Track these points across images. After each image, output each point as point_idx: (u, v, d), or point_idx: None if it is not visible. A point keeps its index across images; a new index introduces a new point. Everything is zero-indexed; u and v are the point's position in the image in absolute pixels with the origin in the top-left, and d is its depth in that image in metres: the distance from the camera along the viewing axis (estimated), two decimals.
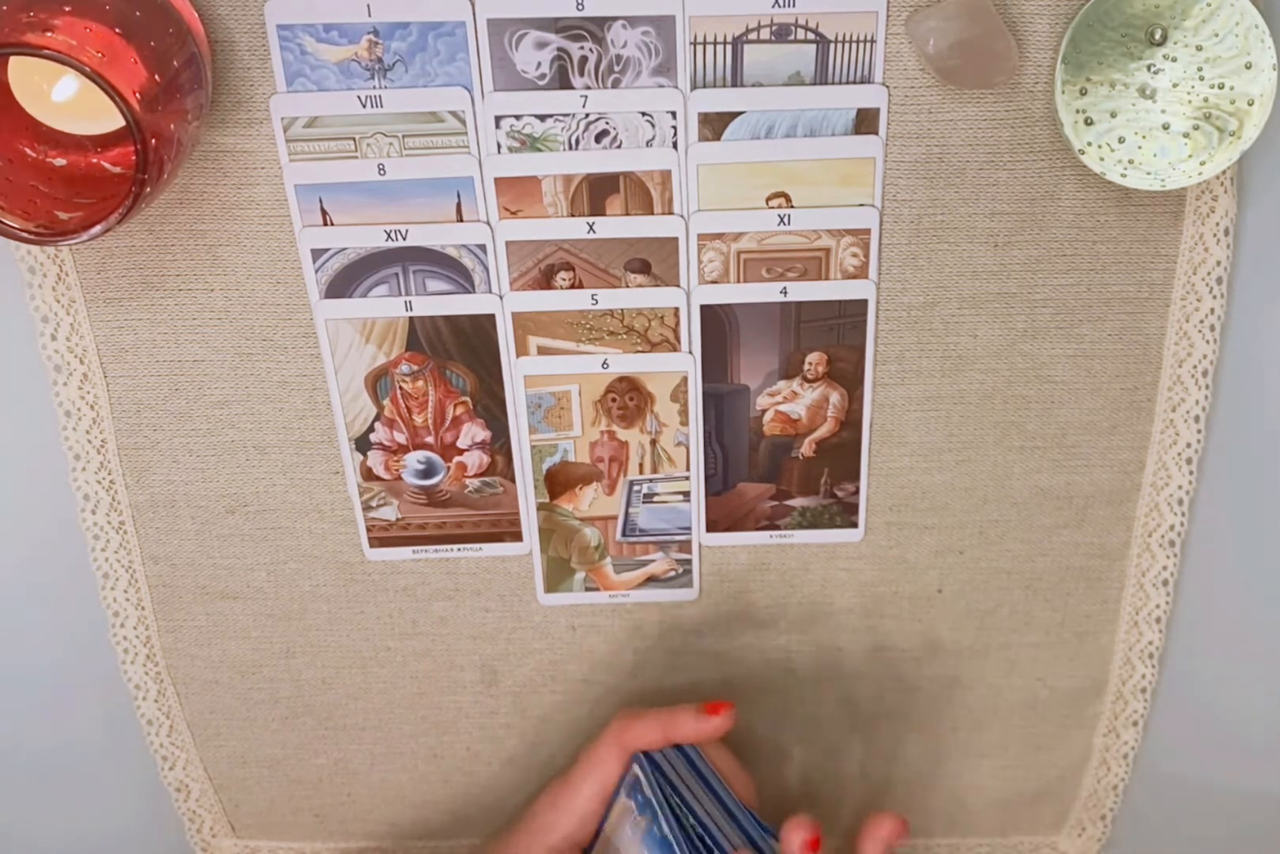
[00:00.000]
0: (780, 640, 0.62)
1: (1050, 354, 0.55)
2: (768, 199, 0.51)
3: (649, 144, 0.50)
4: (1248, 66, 0.47)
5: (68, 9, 0.41)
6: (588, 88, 0.49)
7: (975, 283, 0.53)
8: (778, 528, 0.59)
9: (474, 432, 0.56)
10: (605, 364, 0.55)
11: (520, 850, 0.54)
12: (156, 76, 0.42)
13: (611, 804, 0.53)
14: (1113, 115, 0.48)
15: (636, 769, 0.52)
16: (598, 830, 0.54)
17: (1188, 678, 0.62)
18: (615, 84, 0.49)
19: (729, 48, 0.48)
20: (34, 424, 0.56)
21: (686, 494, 0.58)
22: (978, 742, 0.65)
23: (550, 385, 0.55)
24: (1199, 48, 0.47)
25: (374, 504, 0.58)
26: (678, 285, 0.53)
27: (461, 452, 0.57)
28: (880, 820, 0.52)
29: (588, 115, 0.49)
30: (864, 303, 0.53)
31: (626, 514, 0.58)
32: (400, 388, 0.55)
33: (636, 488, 0.58)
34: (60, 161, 0.47)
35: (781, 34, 0.48)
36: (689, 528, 0.59)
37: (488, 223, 0.52)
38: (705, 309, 0.54)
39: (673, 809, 0.50)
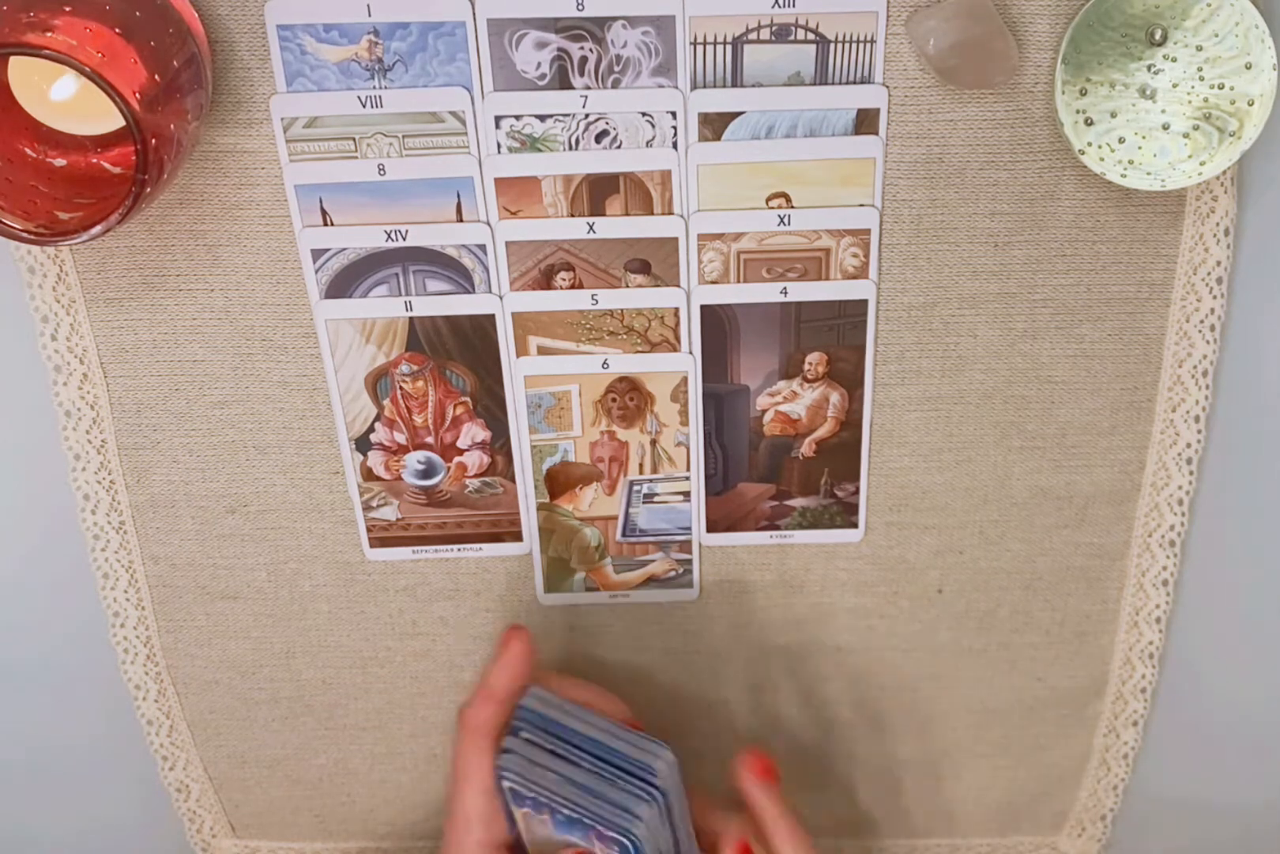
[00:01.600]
0: (780, 640, 0.62)
1: (1050, 354, 0.55)
2: (768, 199, 0.51)
3: (649, 144, 0.50)
4: (1248, 66, 0.47)
5: (68, 9, 0.41)
6: (588, 88, 0.49)
7: (975, 283, 0.53)
8: (778, 528, 0.59)
9: (474, 432, 0.56)
10: (605, 364, 0.55)
11: (453, 849, 0.54)
12: (156, 76, 0.42)
13: (511, 816, 0.52)
14: (1113, 115, 0.48)
15: (503, 782, 0.51)
16: (518, 838, 0.53)
17: (1188, 678, 0.62)
18: (615, 84, 0.49)
19: (729, 48, 0.48)
20: (34, 424, 0.56)
21: (686, 494, 0.58)
22: (978, 742, 0.65)
23: (550, 385, 0.55)
24: (1199, 48, 0.47)
25: (374, 504, 0.58)
26: (678, 285, 0.53)
27: (461, 452, 0.57)
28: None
29: (588, 115, 0.49)
30: (864, 303, 0.53)
31: (626, 514, 0.58)
32: (400, 388, 0.55)
33: (636, 488, 0.58)
34: (60, 161, 0.47)
35: (781, 34, 0.48)
36: (689, 528, 0.59)
37: (488, 223, 0.52)
38: (705, 309, 0.54)
39: (558, 795, 0.50)
